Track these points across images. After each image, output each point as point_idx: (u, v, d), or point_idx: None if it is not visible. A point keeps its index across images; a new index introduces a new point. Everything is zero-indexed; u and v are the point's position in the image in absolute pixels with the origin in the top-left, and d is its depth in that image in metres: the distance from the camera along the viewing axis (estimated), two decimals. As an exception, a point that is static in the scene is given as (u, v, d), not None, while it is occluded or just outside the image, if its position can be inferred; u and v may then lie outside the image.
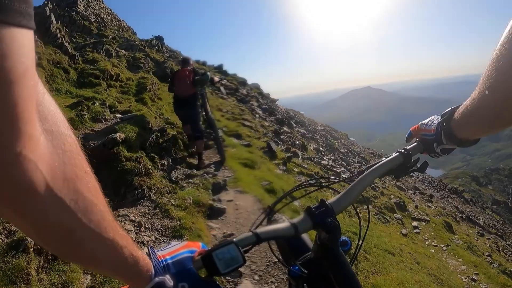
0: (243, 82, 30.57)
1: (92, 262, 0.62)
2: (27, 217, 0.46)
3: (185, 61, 7.30)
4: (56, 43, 11.15)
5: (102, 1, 35.15)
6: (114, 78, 11.36)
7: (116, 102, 9.25)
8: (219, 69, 31.08)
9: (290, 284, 1.20)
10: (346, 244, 1.15)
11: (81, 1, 27.98)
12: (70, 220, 0.51)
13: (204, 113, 7.50)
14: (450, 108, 1.06)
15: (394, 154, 1.14)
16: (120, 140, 5.07)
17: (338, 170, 13.74)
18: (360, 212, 8.29)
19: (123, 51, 18.83)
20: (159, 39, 25.61)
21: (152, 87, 11.71)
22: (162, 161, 5.88)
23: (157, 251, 0.85)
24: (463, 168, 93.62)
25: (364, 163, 19.75)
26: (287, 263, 1.22)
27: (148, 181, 4.73)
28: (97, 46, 14.68)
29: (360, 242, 1.17)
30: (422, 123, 1.23)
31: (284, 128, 17.15)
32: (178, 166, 6.26)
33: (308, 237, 1.28)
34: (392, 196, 11.92)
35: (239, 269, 3.55)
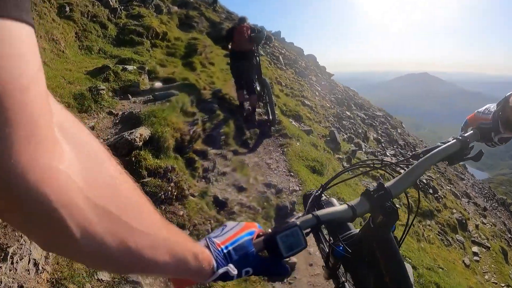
0: (300, 53, 28.71)
1: (153, 268, 0.54)
2: (73, 238, 0.38)
3: (242, 19, 7.11)
4: (96, -6, 9.52)
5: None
6: (160, 37, 9.65)
7: (158, 66, 7.58)
8: (276, 36, 29.34)
9: (327, 261, 1.22)
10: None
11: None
12: (121, 228, 0.44)
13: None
14: (505, 96, 1.07)
15: (452, 141, 1.15)
16: (141, 143, 3.29)
17: (402, 171, 11.49)
18: (423, 230, 7.71)
19: (175, 7, 17.11)
20: None
21: (204, 49, 9.92)
22: (206, 163, 4.10)
23: (214, 238, 0.80)
24: (510, 175, 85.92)
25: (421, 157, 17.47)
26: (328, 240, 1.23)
27: (181, 212, 2.94)
28: (145, 0, 12.94)
29: (407, 228, 1.15)
30: (478, 111, 1.23)
31: (346, 112, 15.15)
32: (228, 169, 4.42)
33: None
34: (454, 211, 10.98)
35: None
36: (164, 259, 0.54)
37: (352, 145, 10.25)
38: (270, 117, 6.60)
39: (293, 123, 8.91)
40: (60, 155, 0.36)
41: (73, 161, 0.38)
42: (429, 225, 8.46)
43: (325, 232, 1.37)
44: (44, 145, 0.34)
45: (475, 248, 9.36)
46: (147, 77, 6.75)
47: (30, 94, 0.32)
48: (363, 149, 10.82)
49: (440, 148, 1.12)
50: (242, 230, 0.83)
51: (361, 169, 1.34)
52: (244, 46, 6.66)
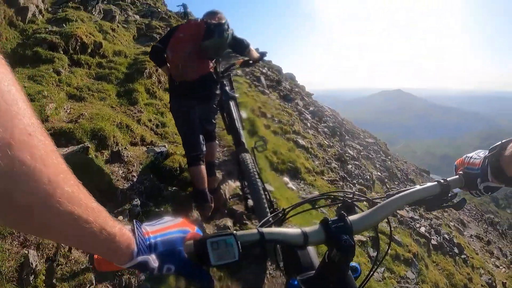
0: (278, 71, 26.52)
1: (47, 233, 0.56)
2: None
3: (209, 15, 3.55)
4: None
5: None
6: (89, 51, 6.38)
7: (63, 102, 4.42)
8: None
9: None
10: (356, 271, 1.03)
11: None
12: (6, 184, 0.43)
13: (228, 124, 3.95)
14: (500, 142, 1.00)
15: (431, 183, 1.06)
16: None
17: (435, 242, 8.90)
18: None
19: (137, 16, 13.96)
20: (183, 7, 20.75)
21: (157, 70, 6.72)
22: None
23: (146, 225, 0.76)
24: None
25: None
26: (288, 275, 1.13)
27: None
28: (88, 1, 9.64)
29: (375, 267, 1.03)
30: (466, 156, 1.16)
31: (349, 151, 12.29)
32: None
33: (316, 254, 1.13)
34: (482, 271, 9.94)
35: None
36: (64, 231, 0.54)
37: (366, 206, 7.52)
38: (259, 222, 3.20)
39: (290, 184, 6.01)
40: None
41: None
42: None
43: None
44: None
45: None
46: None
47: None
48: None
49: (416, 188, 1.03)
50: (176, 226, 0.79)
51: (329, 200, 1.26)
52: (191, 70, 3.26)
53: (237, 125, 3.71)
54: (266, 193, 3.19)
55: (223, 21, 3.33)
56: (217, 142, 3.72)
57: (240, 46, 3.58)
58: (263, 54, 3.90)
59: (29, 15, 6.52)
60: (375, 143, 24.27)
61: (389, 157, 23.59)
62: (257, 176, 3.17)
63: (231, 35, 3.33)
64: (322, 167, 8.15)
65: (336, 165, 9.04)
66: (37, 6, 6.93)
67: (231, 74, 4.00)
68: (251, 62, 3.79)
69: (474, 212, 25.82)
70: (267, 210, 3.03)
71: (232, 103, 3.84)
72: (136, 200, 2.96)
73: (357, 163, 11.28)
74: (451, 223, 14.62)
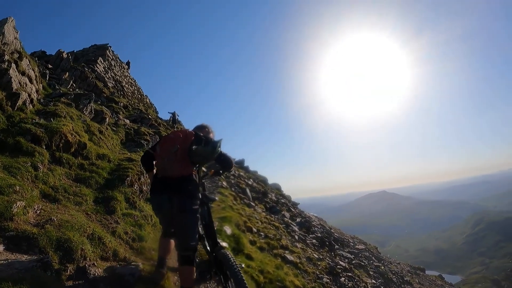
0: (264, 182, 26.58)
1: None
2: None
3: (199, 128, 4.04)
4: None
5: (128, 70, 32.04)
6: (72, 150, 6.07)
7: (34, 201, 4.00)
8: (240, 164, 27.36)
9: None
10: None
11: (102, 62, 24.45)
12: None
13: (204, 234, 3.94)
14: None
15: None
16: None
17: None
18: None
19: (127, 120, 14.03)
20: (172, 114, 21.76)
21: (139, 179, 6.36)
22: None
23: None
24: (483, 272, 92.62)
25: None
26: None
27: None
28: (80, 99, 9.67)
29: None
30: None
31: (340, 263, 11.60)
32: None
33: None
34: None
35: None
36: None
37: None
38: None
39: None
40: None
41: None
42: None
43: None
44: None
45: None
46: None
47: None
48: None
49: None
50: None
51: None
52: (174, 168, 3.36)
53: (213, 226, 3.84)
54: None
55: (212, 134, 3.88)
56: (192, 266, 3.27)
57: (226, 165, 3.86)
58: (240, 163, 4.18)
59: (20, 102, 6.38)
60: (366, 249, 23.62)
61: (382, 261, 22.70)
62: (239, 267, 3.21)
63: (219, 152, 3.59)
64: (313, 283, 7.58)
65: (327, 280, 8.39)
66: (29, 95, 6.84)
67: (205, 183, 4.16)
68: (221, 172, 4.12)
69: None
70: None
71: (208, 206, 3.94)
72: None
73: (350, 274, 10.57)
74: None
